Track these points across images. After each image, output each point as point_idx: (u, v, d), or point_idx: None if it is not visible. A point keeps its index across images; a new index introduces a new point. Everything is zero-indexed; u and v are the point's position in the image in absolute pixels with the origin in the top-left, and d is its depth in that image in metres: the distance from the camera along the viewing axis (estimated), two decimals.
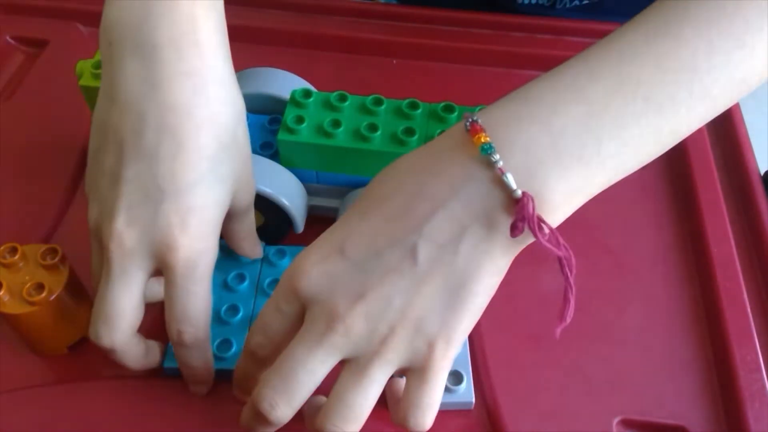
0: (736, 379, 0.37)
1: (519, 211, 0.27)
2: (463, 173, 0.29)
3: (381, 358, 0.30)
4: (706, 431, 0.36)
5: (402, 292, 0.29)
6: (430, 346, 0.30)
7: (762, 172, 0.47)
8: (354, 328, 0.29)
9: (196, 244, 0.33)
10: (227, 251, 0.42)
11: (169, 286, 0.33)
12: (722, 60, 0.28)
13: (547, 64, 0.54)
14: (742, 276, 0.42)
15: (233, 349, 0.38)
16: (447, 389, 0.37)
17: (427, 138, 0.40)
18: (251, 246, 0.40)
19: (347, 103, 0.42)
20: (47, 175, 0.47)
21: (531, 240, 0.29)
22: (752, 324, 0.40)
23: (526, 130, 0.28)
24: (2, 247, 0.36)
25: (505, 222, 0.28)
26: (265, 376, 0.31)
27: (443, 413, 0.37)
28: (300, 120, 0.41)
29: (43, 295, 0.35)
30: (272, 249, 0.42)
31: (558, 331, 0.29)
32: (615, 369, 0.39)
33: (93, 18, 0.57)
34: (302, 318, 0.31)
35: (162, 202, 0.32)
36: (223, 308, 0.40)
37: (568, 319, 0.30)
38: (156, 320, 0.37)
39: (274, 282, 0.41)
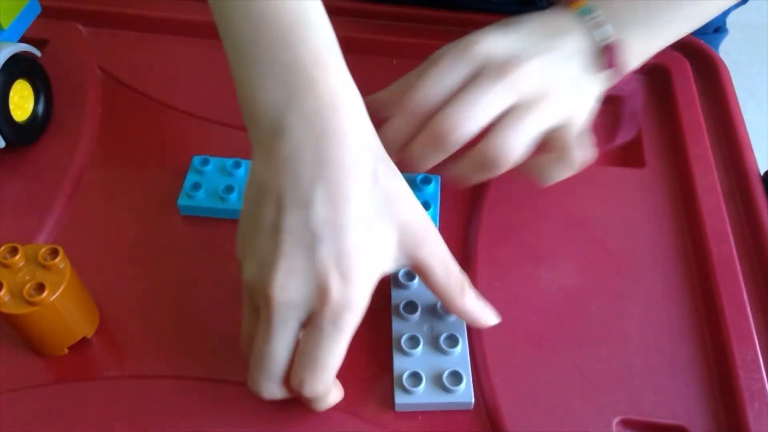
0: (736, 379, 0.37)
1: (609, 51, 0.41)
2: (571, 24, 0.42)
3: (540, 111, 0.39)
4: (706, 431, 0.37)
5: (552, 68, 0.40)
6: (577, 106, 0.41)
7: (762, 172, 0.47)
8: (527, 77, 0.39)
9: (349, 291, 0.33)
10: None
11: (311, 329, 0.33)
12: None
13: None
14: (741, 276, 0.42)
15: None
16: (446, 389, 0.37)
17: None
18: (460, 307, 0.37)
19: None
20: (48, 175, 0.47)
21: (616, 76, 0.42)
22: (752, 324, 0.40)
23: (612, 4, 0.42)
24: (2, 247, 0.36)
25: (599, 59, 0.41)
26: (441, 111, 0.39)
27: (442, 413, 0.37)
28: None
29: (43, 295, 0.35)
30: None
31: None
32: (615, 369, 0.39)
33: (93, 18, 0.57)
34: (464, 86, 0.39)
35: (317, 246, 0.33)
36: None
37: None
38: None
39: None
